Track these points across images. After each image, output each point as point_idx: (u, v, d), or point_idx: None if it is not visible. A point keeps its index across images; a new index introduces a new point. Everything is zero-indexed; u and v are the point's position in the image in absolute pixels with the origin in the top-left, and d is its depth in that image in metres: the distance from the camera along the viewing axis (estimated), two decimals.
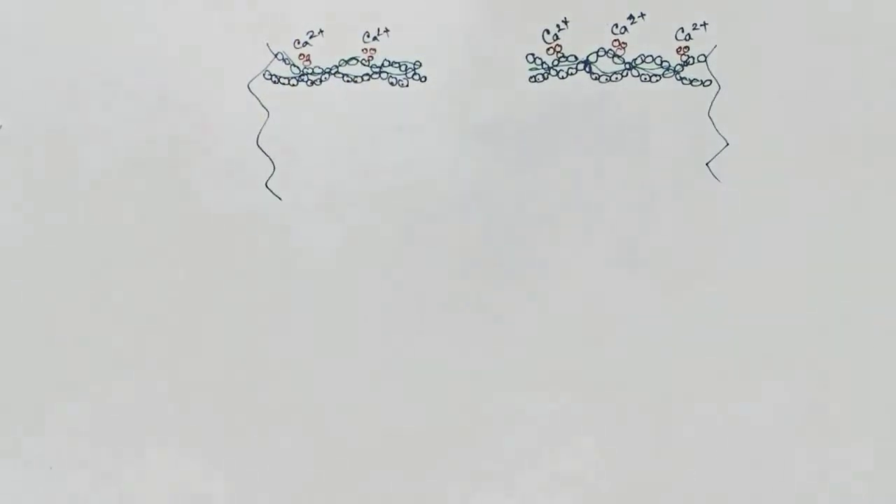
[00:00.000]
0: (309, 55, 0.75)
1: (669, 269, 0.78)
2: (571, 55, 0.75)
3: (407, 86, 0.76)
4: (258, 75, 0.75)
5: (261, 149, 0.76)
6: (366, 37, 0.75)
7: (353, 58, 0.76)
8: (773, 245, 0.78)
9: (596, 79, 0.76)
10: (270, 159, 0.76)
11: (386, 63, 0.76)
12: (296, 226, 0.77)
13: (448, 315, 0.75)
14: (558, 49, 0.75)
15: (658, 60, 0.75)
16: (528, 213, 0.77)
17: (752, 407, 0.74)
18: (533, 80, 0.75)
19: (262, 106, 0.75)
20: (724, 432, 0.74)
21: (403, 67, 0.75)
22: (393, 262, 0.77)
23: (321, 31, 0.75)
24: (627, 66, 0.75)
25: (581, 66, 0.75)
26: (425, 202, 0.76)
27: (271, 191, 0.78)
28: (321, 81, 0.76)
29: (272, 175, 0.76)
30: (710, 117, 0.76)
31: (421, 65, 0.75)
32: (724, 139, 0.75)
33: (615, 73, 0.76)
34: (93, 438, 0.76)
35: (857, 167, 0.76)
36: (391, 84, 0.76)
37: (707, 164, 0.76)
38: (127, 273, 0.76)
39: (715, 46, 0.75)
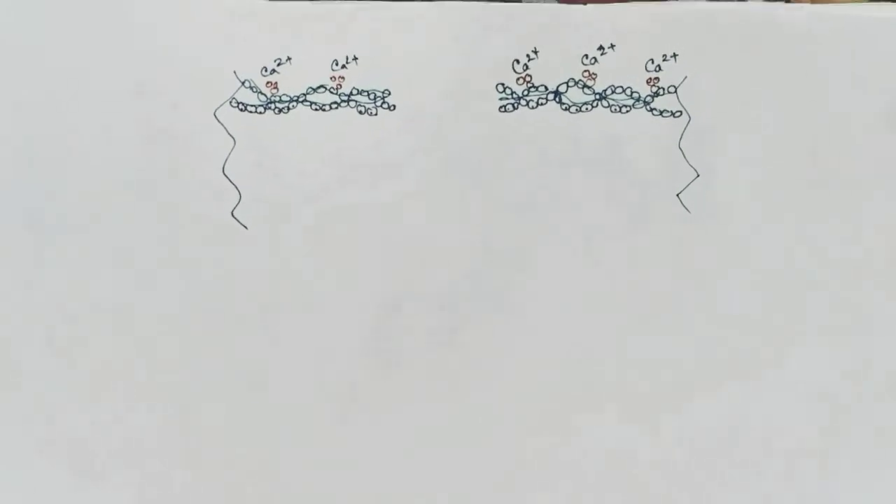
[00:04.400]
0: (276, 83, 0.71)
1: (642, 298, 0.74)
2: (542, 85, 0.71)
3: (376, 114, 0.71)
4: (225, 103, 0.71)
5: (227, 177, 0.71)
6: (334, 65, 0.71)
7: (322, 86, 0.71)
8: (743, 275, 0.74)
9: (566, 109, 0.71)
10: (237, 188, 0.71)
11: (354, 91, 0.71)
12: (263, 255, 0.72)
13: (425, 346, 0.71)
14: (528, 79, 0.71)
15: (628, 91, 0.71)
16: (500, 244, 0.73)
17: (729, 428, 0.71)
18: (503, 109, 0.71)
19: (229, 134, 0.70)
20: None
21: (372, 96, 0.71)
22: (364, 293, 0.73)
23: (289, 59, 0.70)
24: (598, 96, 0.71)
25: (551, 97, 0.71)
26: (395, 232, 0.72)
27: (237, 220, 0.71)
28: (289, 109, 0.71)
29: (238, 204, 0.71)
30: (680, 148, 0.71)
31: (390, 93, 0.71)
32: (694, 170, 0.72)
33: (585, 103, 0.71)
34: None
35: (827, 198, 0.72)
36: (360, 112, 0.71)
37: (678, 195, 0.72)
38: (92, 301, 0.72)
39: (685, 77, 0.71)
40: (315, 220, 0.71)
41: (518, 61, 0.70)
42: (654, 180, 0.71)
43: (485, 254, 0.72)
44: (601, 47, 0.70)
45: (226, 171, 0.70)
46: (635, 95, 0.70)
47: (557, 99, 0.71)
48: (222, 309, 0.71)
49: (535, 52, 0.70)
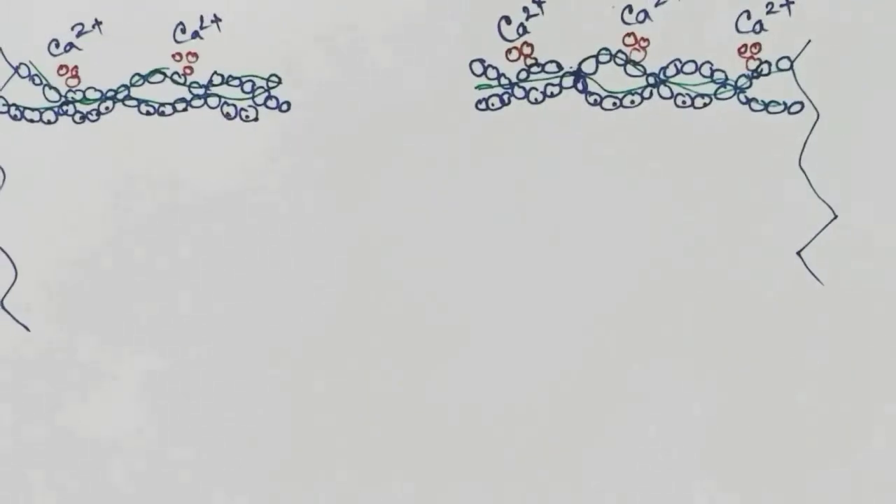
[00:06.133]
0: (76, 67, 0.48)
1: None
2: (551, 62, 0.48)
3: (255, 118, 0.49)
4: None
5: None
6: (179, 32, 0.48)
7: (158, 70, 0.49)
8: None
9: (595, 102, 0.48)
10: (11, 260, 0.49)
11: (217, 80, 0.49)
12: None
13: None
14: (528, 52, 0.48)
15: (707, 69, 0.48)
16: None
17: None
18: (483, 105, 0.48)
19: None
20: None
21: (248, 87, 0.49)
22: None
23: (98, 24, 0.48)
24: (652, 79, 0.48)
25: (569, 81, 0.48)
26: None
27: (9, 312, 0.49)
28: (99, 114, 0.48)
29: (11, 289, 0.49)
30: (801, 168, 0.48)
31: (279, 82, 0.48)
32: (831, 209, 0.49)
33: (630, 91, 0.48)
34: None
35: None
36: (227, 117, 0.49)
37: (799, 254, 0.49)
38: None
39: (808, 43, 0.48)
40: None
41: (508, 20, 0.48)
42: (758, 229, 0.49)
43: None
44: None
45: None
46: (719, 77, 0.49)
47: (580, 84, 0.48)
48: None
49: (539, 1, 0.48)
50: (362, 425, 0.50)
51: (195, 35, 0.48)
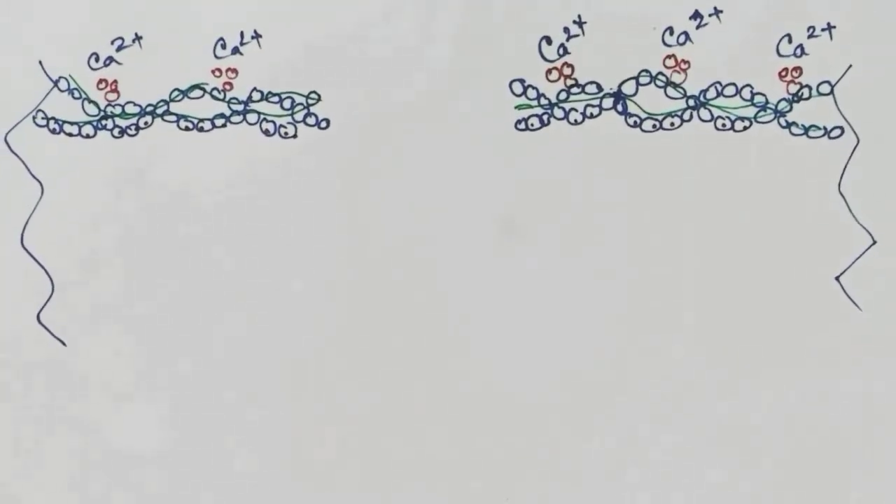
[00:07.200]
0: (116, 82, 0.48)
1: None
2: (591, 82, 0.47)
3: (294, 135, 0.48)
4: (24, 119, 0.48)
5: (30, 254, 0.48)
6: (219, 48, 0.47)
7: (197, 86, 0.48)
8: None
9: (635, 124, 0.48)
10: (48, 274, 0.48)
11: (256, 96, 0.48)
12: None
13: None
14: (568, 72, 0.47)
15: (747, 92, 0.47)
16: None
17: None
18: (523, 125, 0.48)
19: (33, 176, 0.48)
20: None
21: (288, 104, 0.48)
22: None
23: (138, 38, 0.48)
24: (692, 101, 0.47)
25: (609, 102, 0.47)
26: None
27: (45, 327, 0.48)
28: (138, 129, 0.48)
29: (48, 302, 0.48)
30: (841, 193, 0.48)
31: (318, 98, 0.48)
32: (870, 234, 0.48)
33: (670, 114, 0.48)
34: None
35: None
36: (266, 133, 0.48)
37: (837, 278, 0.48)
38: None
39: (848, 68, 0.47)
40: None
41: (549, 41, 0.47)
42: (796, 254, 0.48)
43: None
44: (698, 15, 0.47)
45: (26, 245, 0.49)
46: (759, 100, 0.48)
47: (619, 106, 0.48)
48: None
49: (580, 22, 0.47)
50: (368, 428, 0.50)
51: (235, 51, 0.47)
